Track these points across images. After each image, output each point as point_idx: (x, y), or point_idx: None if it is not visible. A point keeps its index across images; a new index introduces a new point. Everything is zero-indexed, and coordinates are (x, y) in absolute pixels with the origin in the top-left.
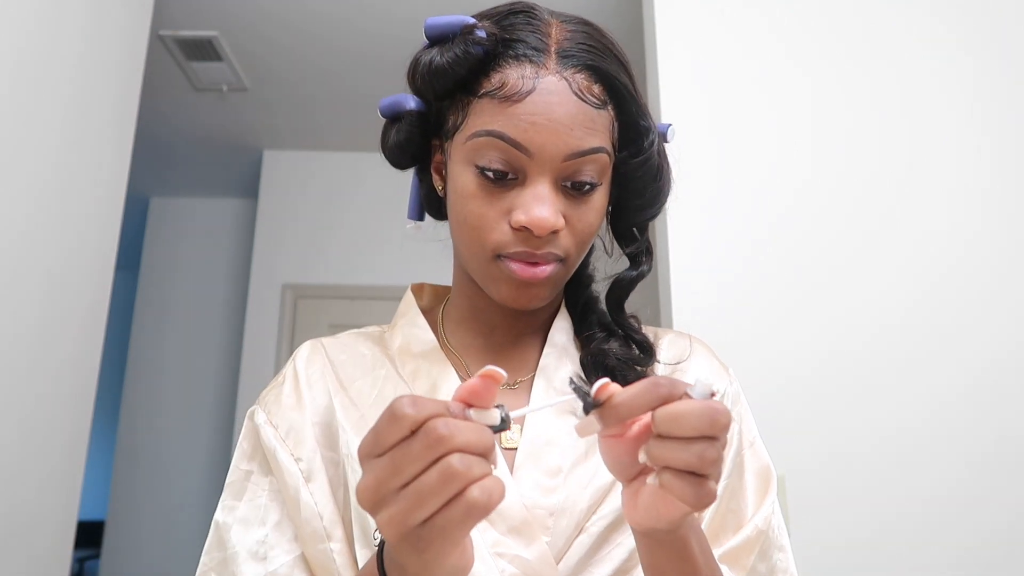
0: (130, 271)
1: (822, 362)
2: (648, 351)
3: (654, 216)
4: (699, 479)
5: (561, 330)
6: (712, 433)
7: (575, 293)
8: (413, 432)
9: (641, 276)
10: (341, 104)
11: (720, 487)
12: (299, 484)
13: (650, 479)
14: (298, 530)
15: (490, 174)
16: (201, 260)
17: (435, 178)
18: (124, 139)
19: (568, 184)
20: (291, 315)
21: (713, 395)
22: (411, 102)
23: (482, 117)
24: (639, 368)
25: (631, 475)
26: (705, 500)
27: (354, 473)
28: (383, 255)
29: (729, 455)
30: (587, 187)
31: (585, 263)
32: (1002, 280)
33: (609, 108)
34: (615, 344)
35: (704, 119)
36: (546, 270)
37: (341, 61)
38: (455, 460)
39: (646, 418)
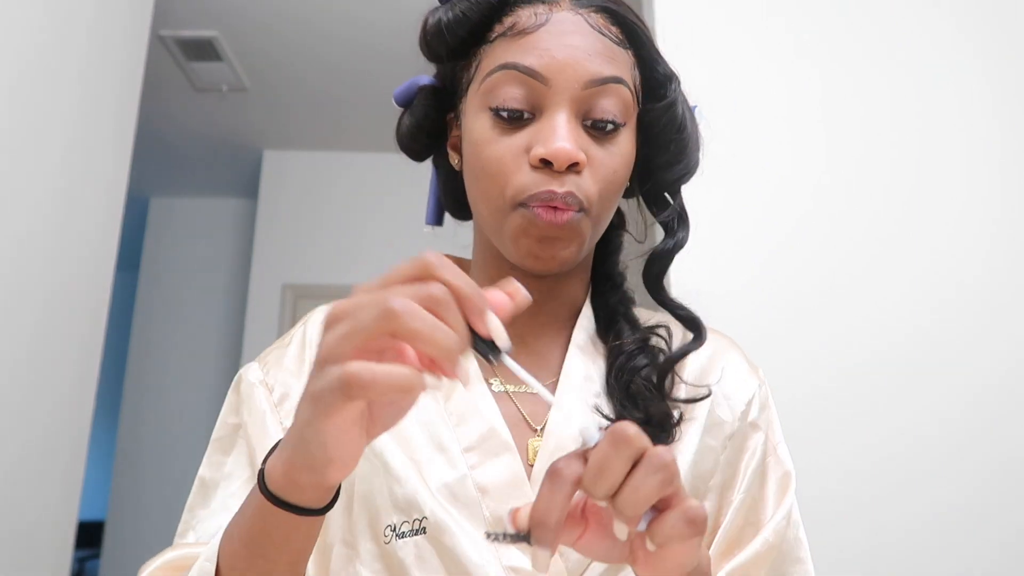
0: (130, 271)
1: (828, 370)
2: (697, 329)
3: (683, 177)
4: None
5: (582, 329)
6: (633, 451)
7: (603, 287)
8: (419, 280)
9: (679, 246)
10: (341, 104)
11: (738, 499)
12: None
13: (648, 545)
14: None
15: (504, 114)
16: (201, 260)
17: (452, 156)
18: (124, 139)
19: (589, 123)
20: (291, 315)
21: (601, 428)
22: (423, 79)
23: (494, 56)
24: (663, 399)
25: (624, 550)
26: (698, 517)
27: None
28: (383, 255)
29: (751, 466)
30: (609, 126)
31: (616, 248)
32: (1018, 289)
33: (629, 52)
34: (642, 359)
35: (704, 120)
36: (567, 215)
37: (341, 61)
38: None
39: (578, 503)
